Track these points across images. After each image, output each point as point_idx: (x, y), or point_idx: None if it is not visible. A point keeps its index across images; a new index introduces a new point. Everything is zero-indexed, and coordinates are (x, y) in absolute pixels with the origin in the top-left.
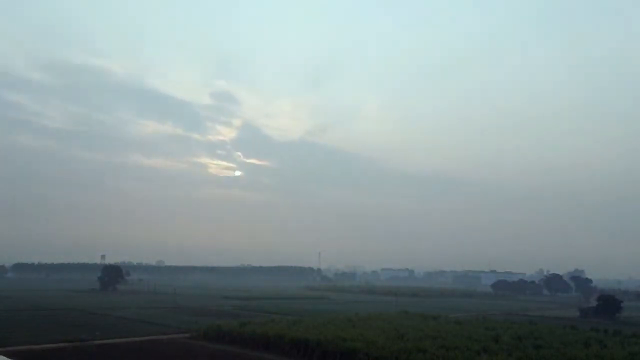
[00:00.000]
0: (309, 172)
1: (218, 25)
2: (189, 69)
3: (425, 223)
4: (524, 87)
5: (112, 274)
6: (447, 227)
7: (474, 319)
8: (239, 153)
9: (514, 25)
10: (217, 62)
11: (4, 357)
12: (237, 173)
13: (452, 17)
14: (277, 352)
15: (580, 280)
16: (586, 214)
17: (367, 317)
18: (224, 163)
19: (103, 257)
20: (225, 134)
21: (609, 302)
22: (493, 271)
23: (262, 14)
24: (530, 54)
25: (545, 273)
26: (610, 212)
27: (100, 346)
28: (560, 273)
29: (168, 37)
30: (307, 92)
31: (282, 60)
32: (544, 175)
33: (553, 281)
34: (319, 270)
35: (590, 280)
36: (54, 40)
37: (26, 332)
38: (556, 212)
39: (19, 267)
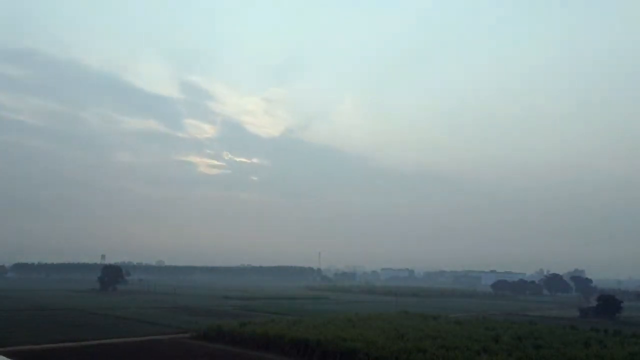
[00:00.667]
0: (300, 171)
1: (188, 19)
2: (161, 64)
3: (425, 223)
4: (533, 85)
5: (112, 274)
6: (447, 227)
7: (474, 319)
8: (228, 152)
9: (499, 19)
10: (190, 57)
11: (4, 357)
12: (228, 172)
13: (432, 10)
14: (277, 352)
15: (580, 280)
16: (586, 214)
17: (367, 317)
18: (214, 162)
19: (103, 257)
20: (210, 131)
21: (609, 302)
22: (493, 271)
23: (233, 8)
24: (525, 47)
25: (545, 273)
26: (610, 212)
27: (100, 346)
28: (560, 273)
29: (138, 30)
30: (280, 87)
31: (252, 55)
32: (544, 175)
33: (553, 281)
34: (319, 270)
35: (590, 280)
36: (21, 32)
37: (26, 332)
38: (556, 212)
39: (19, 267)
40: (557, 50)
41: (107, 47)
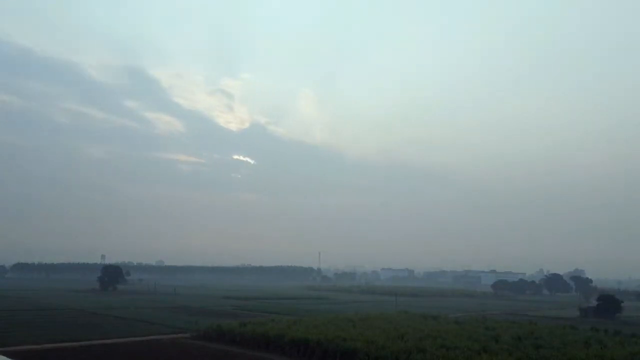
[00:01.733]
0: (284, 169)
1: (132, 10)
2: (114, 56)
3: (425, 222)
4: (531, 83)
5: (112, 274)
6: (447, 227)
7: (474, 319)
8: (202, 147)
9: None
10: (142, 49)
11: (4, 357)
12: (207, 168)
13: None
14: (277, 352)
15: (580, 280)
16: (586, 213)
17: (367, 317)
18: (193, 159)
19: (103, 257)
20: (186, 127)
21: (609, 302)
22: (493, 271)
23: None
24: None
25: (545, 273)
26: (610, 212)
27: (101, 346)
28: (560, 273)
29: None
30: (236, 79)
31: (202, 46)
32: (544, 175)
33: (553, 281)
34: (319, 270)
35: (590, 280)
36: None
37: (26, 332)
38: (556, 212)
39: (19, 267)
40: (557, 48)
41: (58, 38)
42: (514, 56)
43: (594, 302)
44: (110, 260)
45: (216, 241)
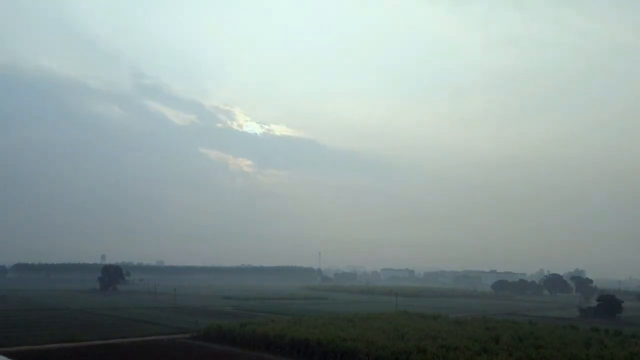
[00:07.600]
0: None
1: None
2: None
3: (426, 223)
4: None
5: (112, 274)
6: (447, 227)
7: (474, 319)
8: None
9: None
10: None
11: (4, 357)
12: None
13: None
14: (277, 352)
15: (580, 280)
16: (586, 214)
17: (367, 317)
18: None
19: (103, 257)
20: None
21: (609, 302)
22: (493, 271)
23: None
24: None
25: (545, 273)
26: (610, 212)
27: (101, 346)
28: (560, 273)
29: None
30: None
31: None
32: (544, 175)
33: (553, 281)
34: (319, 270)
35: (590, 280)
36: None
37: (26, 332)
38: (556, 212)
39: (19, 267)
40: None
41: None
42: (514, 58)
43: (594, 303)
44: (110, 260)
45: (216, 241)
